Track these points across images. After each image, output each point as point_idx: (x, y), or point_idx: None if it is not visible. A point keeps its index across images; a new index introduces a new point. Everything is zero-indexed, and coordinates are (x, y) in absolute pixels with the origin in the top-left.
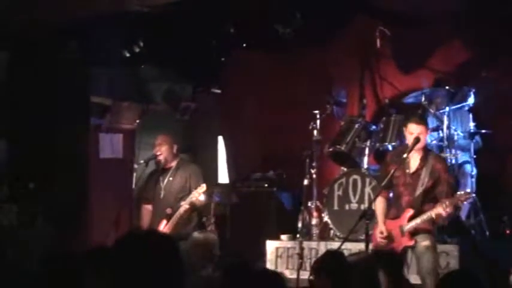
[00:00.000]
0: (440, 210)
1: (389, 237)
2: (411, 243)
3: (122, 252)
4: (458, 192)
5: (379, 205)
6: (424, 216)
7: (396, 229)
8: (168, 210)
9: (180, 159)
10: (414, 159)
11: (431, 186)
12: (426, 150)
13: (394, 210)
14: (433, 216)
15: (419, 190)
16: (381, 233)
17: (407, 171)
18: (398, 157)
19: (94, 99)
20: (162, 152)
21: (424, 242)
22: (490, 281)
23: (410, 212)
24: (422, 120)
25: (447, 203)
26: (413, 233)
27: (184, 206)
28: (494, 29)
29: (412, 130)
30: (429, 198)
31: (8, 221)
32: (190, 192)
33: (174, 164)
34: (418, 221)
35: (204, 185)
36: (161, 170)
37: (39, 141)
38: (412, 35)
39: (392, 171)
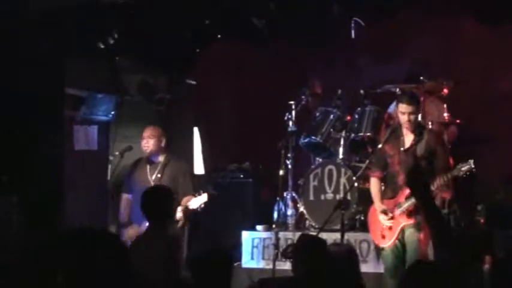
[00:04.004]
0: (440, 182)
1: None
2: (410, 221)
3: (69, 248)
4: (460, 164)
5: (374, 186)
6: None
7: (393, 208)
8: None
9: (168, 154)
10: (408, 137)
11: (428, 160)
12: (420, 127)
13: (389, 190)
14: (433, 190)
15: None
16: (385, 213)
17: (402, 148)
18: (391, 136)
19: (68, 91)
20: (150, 145)
21: (418, 233)
22: (464, 270)
23: (407, 190)
24: (413, 100)
25: (448, 175)
26: (413, 212)
27: (179, 213)
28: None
29: (403, 109)
30: (426, 174)
31: None
32: (177, 191)
33: (161, 159)
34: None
35: (205, 195)
36: (147, 163)
37: (13, 133)
38: (386, 25)
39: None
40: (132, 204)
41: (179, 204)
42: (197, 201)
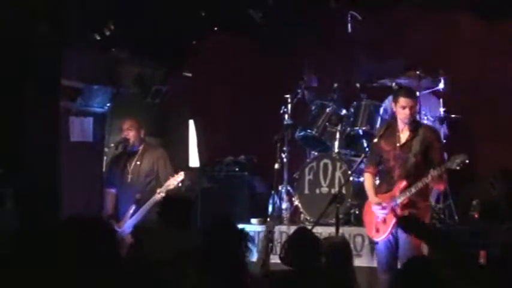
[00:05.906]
0: (435, 173)
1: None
2: (405, 213)
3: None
4: (454, 156)
5: (367, 181)
6: (419, 184)
7: (389, 201)
8: (138, 196)
9: (146, 143)
10: (404, 133)
11: (423, 155)
12: (417, 123)
13: (385, 185)
14: (427, 182)
15: (411, 161)
16: (378, 204)
17: (397, 144)
18: (387, 131)
19: (64, 82)
20: (130, 136)
21: None
22: (460, 265)
23: (403, 183)
24: (412, 94)
25: (442, 167)
26: (408, 205)
27: (161, 194)
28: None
29: (404, 103)
30: (422, 168)
31: None
32: (158, 176)
33: (140, 148)
34: (412, 190)
35: (182, 173)
36: (127, 154)
37: (8, 124)
38: (383, 19)
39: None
40: (116, 198)
41: (160, 186)
42: (174, 181)
